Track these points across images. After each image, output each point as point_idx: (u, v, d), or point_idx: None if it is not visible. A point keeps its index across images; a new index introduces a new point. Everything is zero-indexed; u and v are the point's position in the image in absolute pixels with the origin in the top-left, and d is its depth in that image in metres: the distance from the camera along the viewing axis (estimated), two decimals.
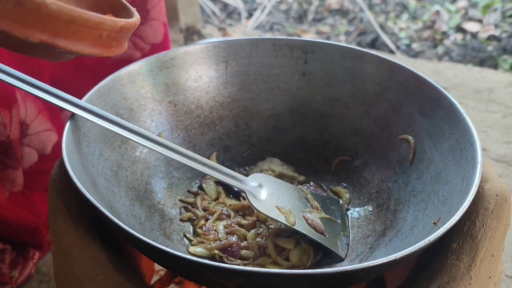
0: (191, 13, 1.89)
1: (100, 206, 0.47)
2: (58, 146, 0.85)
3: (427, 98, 0.64)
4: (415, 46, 2.03)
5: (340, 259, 0.60)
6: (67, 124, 0.57)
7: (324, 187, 0.71)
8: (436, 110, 0.62)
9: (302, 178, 0.72)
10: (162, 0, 0.96)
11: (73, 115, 0.58)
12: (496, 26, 2.09)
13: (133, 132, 0.58)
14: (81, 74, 0.86)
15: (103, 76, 0.67)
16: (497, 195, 0.52)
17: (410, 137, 0.65)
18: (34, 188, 0.86)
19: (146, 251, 0.49)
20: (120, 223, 0.45)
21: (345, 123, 0.72)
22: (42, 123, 0.81)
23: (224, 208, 0.67)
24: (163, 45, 0.98)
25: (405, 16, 2.25)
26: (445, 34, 2.09)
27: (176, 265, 0.47)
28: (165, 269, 0.77)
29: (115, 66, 0.94)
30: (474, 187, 0.50)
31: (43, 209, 0.87)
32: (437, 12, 2.23)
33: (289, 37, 0.75)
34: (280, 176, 0.70)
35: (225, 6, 2.38)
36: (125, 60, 0.95)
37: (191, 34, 1.86)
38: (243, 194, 0.68)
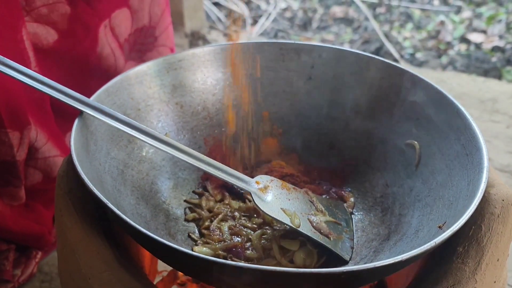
0: (196, 18, 1.90)
1: (108, 203, 0.47)
2: None
3: (433, 104, 0.64)
4: (419, 55, 2.04)
5: (345, 262, 0.60)
6: (76, 122, 0.57)
7: (329, 191, 0.71)
8: (442, 116, 0.62)
9: (307, 181, 0.72)
10: (170, 25, 0.97)
11: (81, 113, 0.58)
12: (501, 37, 2.10)
13: (140, 131, 0.58)
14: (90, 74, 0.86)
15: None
16: (503, 200, 0.52)
17: (416, 142, 0.65)
18: (37, 200, 0.87)
19: (154, 249, 0.49)
20: (130, 221, 0.45)
21: (351, 128, 0.72)
22: (51, 149, 0.81)
23: (228, 210, 0.67)
24: None
25: (409, 25, 2.26)
26: (449, 45, 2.10)
27: (184, 263, 0.47)
28: (168, 271, 0.77)
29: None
30: (480, 191, 0.50)
31: (47, 216, 0.87)
32: (442, 23, 2.24)
33: (297, 42, 0.75)
34: (285, 178, 0.70)
35: (230, 13, 2.39)
36: None
37: (196, 39, 1.87)
38: (248, 197, 0.68)
